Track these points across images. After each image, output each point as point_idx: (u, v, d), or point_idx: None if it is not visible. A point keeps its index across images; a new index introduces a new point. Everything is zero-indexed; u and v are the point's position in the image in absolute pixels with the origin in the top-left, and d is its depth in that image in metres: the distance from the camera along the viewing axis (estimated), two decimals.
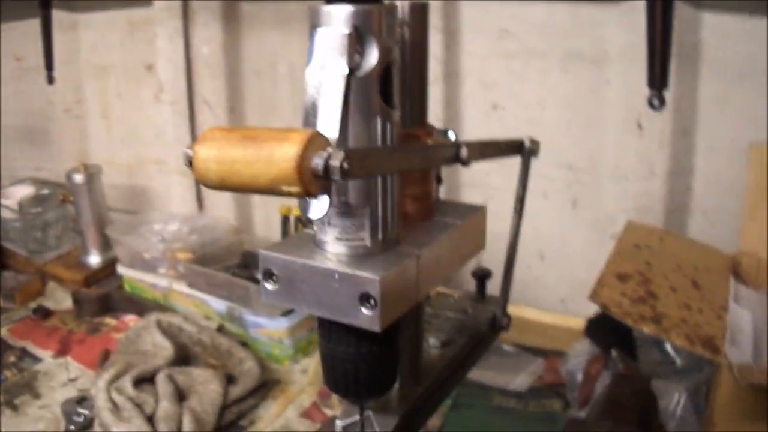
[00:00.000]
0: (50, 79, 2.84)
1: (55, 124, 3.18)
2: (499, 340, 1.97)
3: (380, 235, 0.82)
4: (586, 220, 2.09)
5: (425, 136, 0.95)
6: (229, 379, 1.86)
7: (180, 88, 2.68)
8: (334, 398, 1.80)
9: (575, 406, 1.75)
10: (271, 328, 2.04)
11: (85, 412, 1.80)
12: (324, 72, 0.75)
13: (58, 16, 2.86)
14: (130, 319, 2.28)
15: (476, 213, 1.03)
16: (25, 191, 2.88)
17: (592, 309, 1.70)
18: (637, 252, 1.75)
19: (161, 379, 1.78)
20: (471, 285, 1.33)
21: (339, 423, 0.96)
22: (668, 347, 1.74)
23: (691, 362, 1.68)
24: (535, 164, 2.00)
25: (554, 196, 2.12)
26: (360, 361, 0.86)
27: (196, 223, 2.49)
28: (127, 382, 1.77)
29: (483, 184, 2.15)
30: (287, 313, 2.02)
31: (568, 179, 2.08)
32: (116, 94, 2.98)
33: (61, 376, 2.05)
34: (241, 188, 0.67)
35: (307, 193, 0.64)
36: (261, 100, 2.62)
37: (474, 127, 2.17)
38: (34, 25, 2.82)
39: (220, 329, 2.09)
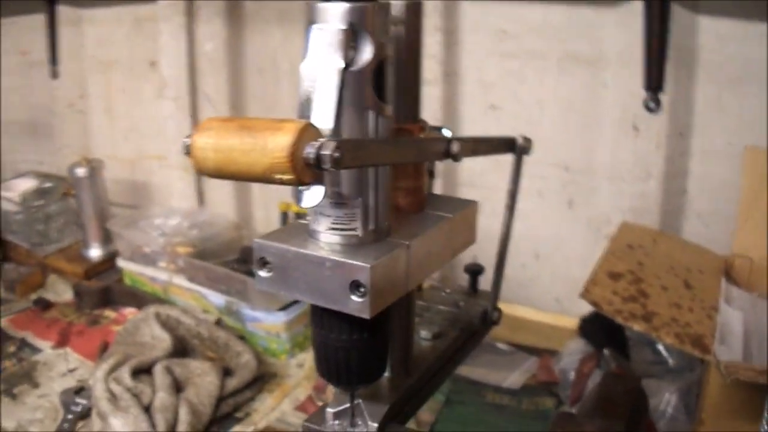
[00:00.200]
0: (54, 74, 2.86)
1: (58, 118, 3.19)
2: (493, 339, 1.99)
3: (372, 226, 0.84)
4: (582, 221, 2.11)
5: (418, 131, 0.98)
6: (226, 372, 1.89)
7: (183, 85, 2.70)
8: (330, 392, 1.82)
9: (567, 404, 1.77)
10: (268, 323, 2.07)
11: (84, 401, 1.82)
12: (319, 66, 0.78)
13: (63, 11, 2.88)
14: (130, 311, 2.30)
15: (467, 207, 1.05)
16: (27, 184, 2.89)
17: (587, 308, 1.72)
18: (631, 252, 1.77)
19: (159, 370, 1.80)
20: (465, 281, 1.35)
21: (329, 410, 0.98)
22: (660, 347, 1.76)
23: (683, 363, 1.70)
24: (532, 164, 2.01)
25: (550, 196, 2.14)
26: (351, 349, 0.88)
27: (197, 219, 2.51)
28: (125, 373, 1.79)
29: (479, 184, 2.17)
30: (285, 307, 2.04)
31: (564, 179, 2.10)
32: (120, 89, 2.99)
33: (61, 366, 2.07)
34: (238, 176, 0.69)
35: (299, 182, 0.66)
36: (263, 96, 2.64)
37: (472, 127, 2.18)
38: (40, 19, 2.84)
39: (218, 322, 2.12)
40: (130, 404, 1.70)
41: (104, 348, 2.07)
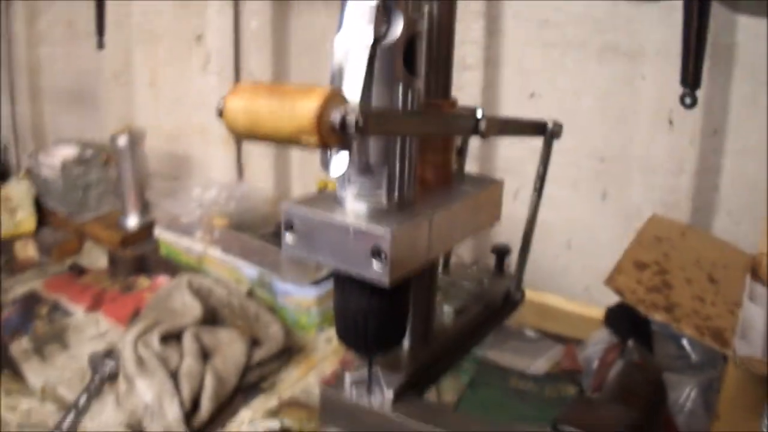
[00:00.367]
0: (100, 44, 2.90)
1: (102, 88, 3.23)
2: (521, 325, 2.01)
3: (396, 195, 0.87)
4: (614, 212, 2.12)
5: (448, 107, 1.00)
6: (254, 342, 1.90)
7: (227, 60, 2.72)
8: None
9: (589, 393, 1.78)
10: (299, 296, 2.09)
11: (112, 364, 1.84)
12: (352, 39, 0.80)
13: None
14: (163, 280, 2.32)
15: (493, 185, 1.08)
16: (68, 152, 2.92)
17: (615, 299, 1.73)
18: (658, 243, 1.78)
19: (187, 337, 1.83)
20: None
21: (348, 376, 1.01)
22: (685, 342, 1.76)
23: (706, 359, 1.70)
24: (567, 153, 2.04)
25: (584, 186, 2.15)
26: (369, 315, 0.90)
27: (235, 192, 2.53)
28: (154, 338, 1.81)
29: (517, 171, 2.17)
30: (316, 282, 2.06)
31: (599, 170, 2.11)
32: (164, 62, 3.02)
33: (91, 329, 2.11)
34: (266, 138, 0.72)
35: (324, 145, 0.69)
36: (305, 74, 2.65)
37: (511, 113, 2.19)
38: None
39: (250, 294, 2.14)
40: (156, 368, 1.72)
41: (136, 314, 2.10)
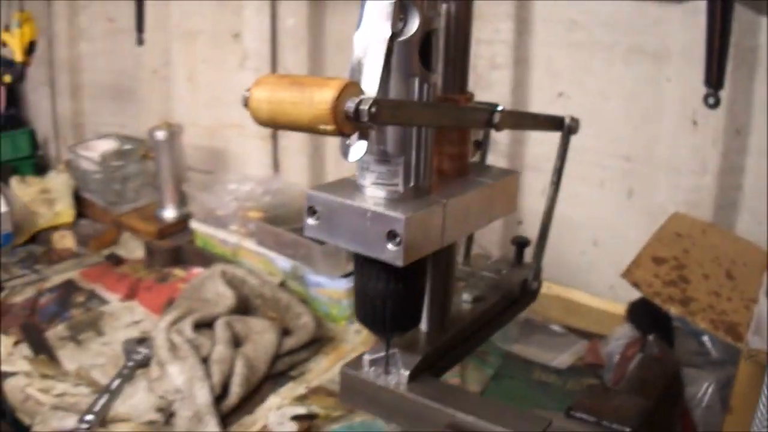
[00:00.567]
0: (140, 41, 2.95)
1: (142, 84, 3.27)
2: (547, 320, 2.05)
3: (412, 183, 0.91)
4: (640, 210, 2.14)
5: (464, 101, 1.05)
6: (285, 332, 1.96)
7: (264, 57, 2.77)
8: None
9: (609, 385, 1.81)
10: (330, 288, 2.13)
11: (145, 351, 1.91)
12: (370, 35, 0.85)
13: None
14: (198, 271, 2.36)
15: (509, 176, 1.12)
16: (108, 145, 2.98)
17: (638, 296, 1.76)
18: (678, 240, 1.81)
19: (220, 325, 1.88)
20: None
21: (366, 356, 1.06)
22: (705, 339, 1.78)
23: (725, 356, 1.73)
24: (594, 153, 2.07)
25: (611, 185, 2.18)
26: (386, 297, 0.95)
27: (270, 186, 2.57)
28: (186, 325, 1.87)
29: (545, 169, 2.19)
30: (347, 275, 2.10)
31: (625, 169, 2.14)
32: (202, 59, 3.06)
33: (126, 318, 2.17)
34: (287, 126, 0.78)
35: (340, 133, 0.75)
36: (341, 71, 2.67)
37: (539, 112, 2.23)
38: None
39: (282, 285, 2.19)
40: (188, 354, 1.77)
41: (169, 303, 2.15)
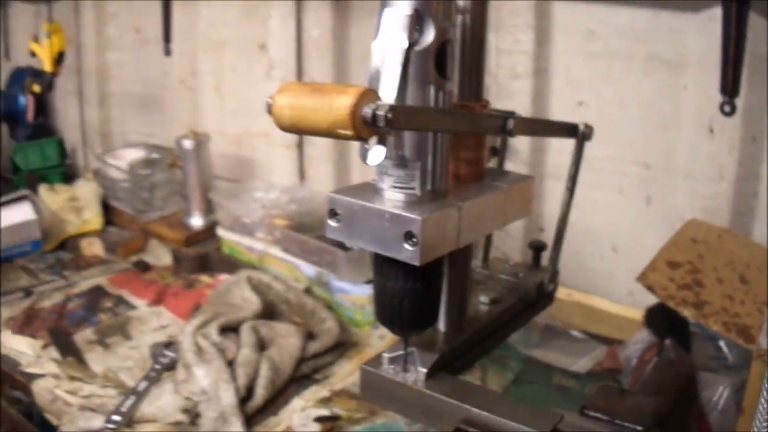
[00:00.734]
0: (167, 51, 3.00)
1: (169, 93, 3.31)
2: (568, 326, 2.07)
3: (429, 186, 0.96)
4: (658, 217, 2.16)
5: (479, 108, 1.09)
6: (310, 336, 1.99)
7: (290, 67, 2.79)
8: None
9: (626, 388, 1.84)
10: (354, 295, 2.17)
11: (171, 354, 1.94)
12: (388, 45, 0.90)
13: None
14: (225, 278, 2.38)
15: (523, 181, 1.16)
16: (135, 154, 3.02)
17: (655, 302, 1.79)
18: (693, 245, 1.83)
19: (245, 329, 1.92)
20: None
21: (386, 355, 1.10)
22: (722, 344, 1.80)
23: (742, 360, 1.74)
24: (614, 161, 2.10)
25: (630, 192, 2.20)
26: (404, 296, 1.00)
27: (296, 194, 2.60)
28: (213, 329, 1.90)
29: (565, 177, 2.21)
30: (371, 281, 2.13)
31: (643, 176, 2.16)
32: (229, 68, 3.09)
33: (153, 322, 2.21)
34: (308, 131, 0.82)
35: (358, 137, 0.79)
36: (365, 80, 2.70)
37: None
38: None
39: (307, 291, 2.22)
40: (214, 357, 1.81)
41: (196, 308, 2.18)
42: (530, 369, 1.96)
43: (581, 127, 1.27)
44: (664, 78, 2.06)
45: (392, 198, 0.96)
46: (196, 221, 2.82)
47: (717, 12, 1.82)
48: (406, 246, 0.91)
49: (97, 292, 2.40)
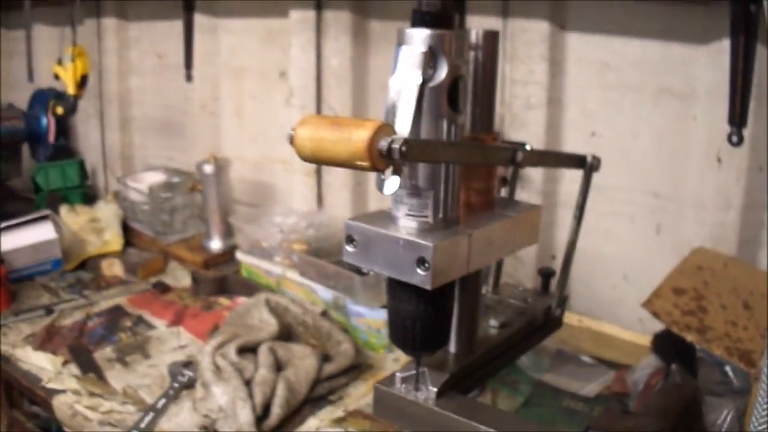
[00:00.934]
0: (189, 77, 3.06)
1: (190, 118, 3.36)
2: (578, 351, 2.11)
3: (441, 215, 1.02)
4: (668, 245, 2.19)
5: (490, 140, 1.15)
6: (326, 358, 2.02)
7: (309, 95, 2.84)
8: None
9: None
10: (370, 318, 2.20)
11: (190, 373, 1.98)
12: (403, 81, 0.95)
13: (200, 19, 3.08)
14: (243, 300, 2.41)
15: (531, 210, 1.21)
16: (156, 178, 3.09)
17: (663, 328, 1.82)
18: (699, 272, 1.86)
19: (263, 350, 1.96)
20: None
21: (398, 374, 1.15)
22: (728, 369, 1.83)
23: (747, 385, 1.77)
24: (626, 191, 2.14)
25: (640, 221, 2.24)
26: (416, 318, 1.05)
27: (314, 219, 2.65)
28: (231, 350, 1.94)
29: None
30: (386, 305, 2.16)
31: (654, 206, 2.20)
32: (250, 95, 3.15)
33: (172, 342, 2.25)
34: (328, 161, 0.88)
35: (374, 168, 0.85)
36: (382, 110, 2.73)
37: (572, 151, 2.27)
38: (176, 26, 3.04)
39: (324, 314, 2.26)
40: (232, 376, 1.84)
41: (215, 329, 2.22)
42: (540, 392, 1.99)
43: (589, 159, 1.31)
44: (674, 109, 2.09)
45: (406, 225, 1.02)
46: (216, 244, 2.87)
47: (725, 44, 1.87)
48: (419, 271, 0.97)
49: (117, 312, 2.45)
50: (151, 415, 1.84)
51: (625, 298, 2.32)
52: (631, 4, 2.10)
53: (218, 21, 3.15)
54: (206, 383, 1.86)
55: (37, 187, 3.26)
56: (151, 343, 2.23)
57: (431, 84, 0.97)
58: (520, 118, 2.32)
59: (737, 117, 1.86)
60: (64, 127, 3.49)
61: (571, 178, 2.23)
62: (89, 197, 3.39)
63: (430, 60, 0.96)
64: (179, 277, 2.74)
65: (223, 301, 2.54)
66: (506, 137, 2.32)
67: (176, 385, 1.96)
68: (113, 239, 2.94)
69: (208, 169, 2.81)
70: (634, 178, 2.19)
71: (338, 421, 1.86)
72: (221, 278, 2.63)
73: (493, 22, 2.29)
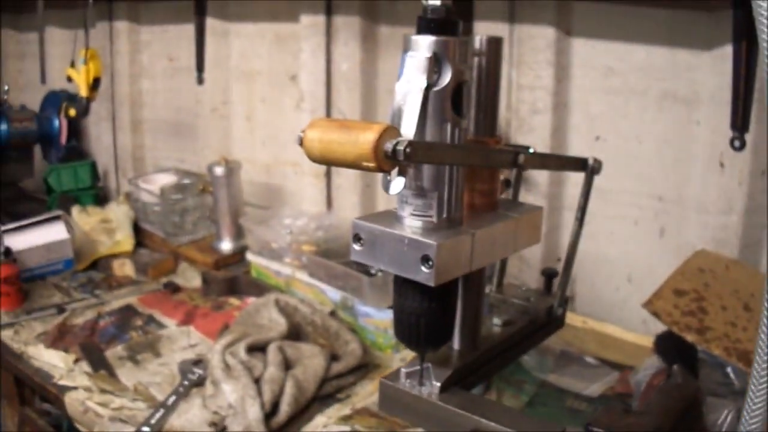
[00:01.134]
0: (200, 80, 3.08)
1: (201, 121, 3.38)
2: (583, 352, 2.13)
3: (445, 215, 1.05)
4: (671, 248, 2.21)
5: (493, 143, 1.18)
6: (334, 357, 2.05)
7: (319, 99, 2.87)
8: None
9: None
10: (378, 319, 2.22)
11: (200, 371, 2.01)
12: (409, 85, 0.99)
13: (211, 23, 3.10)
14: (253, 300, 2.42)
15: (533, 212, 1.25)
16: (167, 179, 3.12)
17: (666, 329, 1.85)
18: (700, 274, 1.88)
19: (272, 349, 1.98)
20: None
21: (403, 370, 1.19)
22: (730, 371, 1.84)
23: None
24: (629, 194, 2.16)
25: (644, 224, 2.26)
26: (420, 314, 1.09)
27: (323, 221, 2.66)
28: (241, 348, 1.97)
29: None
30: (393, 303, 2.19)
31: (657, 209, 2.22)
32: (260, 99, 3.18)
33: (183, 341, 2.28)
34: (335, 162, 0.92)
35: (380, 169, 0.89)
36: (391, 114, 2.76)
37: (577, 155, 2.29)
38: (188, 29, 3.07)
39: (333, 314, 2.29)
40: (241, 374, 1.87)
41: (225, 329, 2.25)
42: (544, 392, 2.01)
43: (590, 161, 1.34)
44: (678, 114, 2.12)
45: (411, 225, 1.05)
46: (226, 245, 2.90)
47: (728, 50, 1.89)
48: (423, 268, 1.00)
49: (128, 311, 2.48)
50: (161, 411, 1.86)
51: (628, 300, 2.34)
52: (636, 10, 2.13)
53: (230, 25, 3.17)
54: (216, 381, 1.89)
55: (49, 189, 3.29)
56: (161, 342, 2.26)
57: (436, 88, 1.00)
58: (527, 122, 2.35)
59: (740, 122, 1.87)
60: (76, 128, 3.53)
61: (576, 181, 2.24)
62: (101, 198, 3.43)
63: (435, 65, 0.99)
64: (190, 278, 2.77)
65: (233, 301, 2.57)
66: (513, 141, 2.34)
67: (186, 382, 1.99)
68: (124, 240, 2.98)
69: (219, 171, 2.84)
70: (638, 181, 2.21)
71: (345, 419, 1.89)
72: (231, 279, 2.66)
73: (500, 28, 2.32)
